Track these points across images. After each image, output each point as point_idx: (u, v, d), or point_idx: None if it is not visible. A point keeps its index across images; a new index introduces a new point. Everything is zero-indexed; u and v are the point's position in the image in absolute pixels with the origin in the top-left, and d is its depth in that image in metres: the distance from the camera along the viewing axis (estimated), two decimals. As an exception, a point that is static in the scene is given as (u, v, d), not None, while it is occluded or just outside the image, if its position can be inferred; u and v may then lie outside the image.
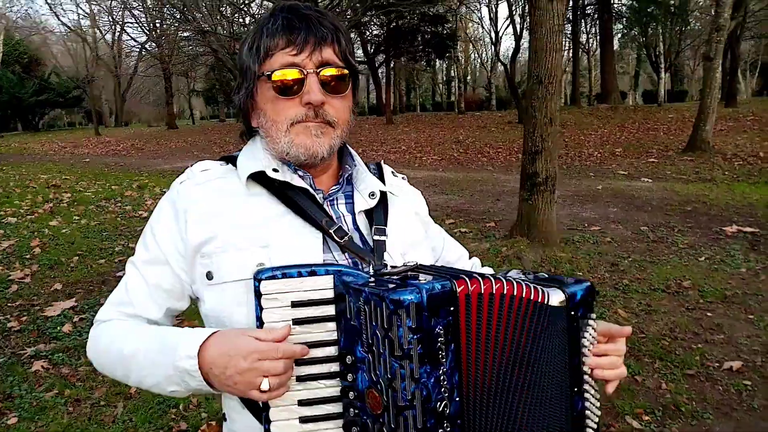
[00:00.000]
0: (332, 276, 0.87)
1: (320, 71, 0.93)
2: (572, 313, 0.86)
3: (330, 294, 0.87)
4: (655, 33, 21.72)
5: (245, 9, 16.55)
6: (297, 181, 0.96)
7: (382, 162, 1.12)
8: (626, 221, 6.26)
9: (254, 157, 0.99)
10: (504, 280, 0.83)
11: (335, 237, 0.92)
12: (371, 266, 0.91)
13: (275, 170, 0.95)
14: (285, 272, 0.86)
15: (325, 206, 0.99)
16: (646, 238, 5.51)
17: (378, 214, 1.00)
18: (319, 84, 0.92)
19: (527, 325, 0.83)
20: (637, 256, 4.93)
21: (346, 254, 0.94)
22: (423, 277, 0.83)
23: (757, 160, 9.75)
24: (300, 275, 0.86)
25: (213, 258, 0.93)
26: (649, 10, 18.35)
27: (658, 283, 4.25)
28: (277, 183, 0.95)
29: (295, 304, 0.86)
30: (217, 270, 0.92)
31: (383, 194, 1.02)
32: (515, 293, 0.83)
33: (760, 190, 7.57)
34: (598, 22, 19.50)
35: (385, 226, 0.99)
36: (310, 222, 0.94)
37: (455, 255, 1.19)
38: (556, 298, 0.85)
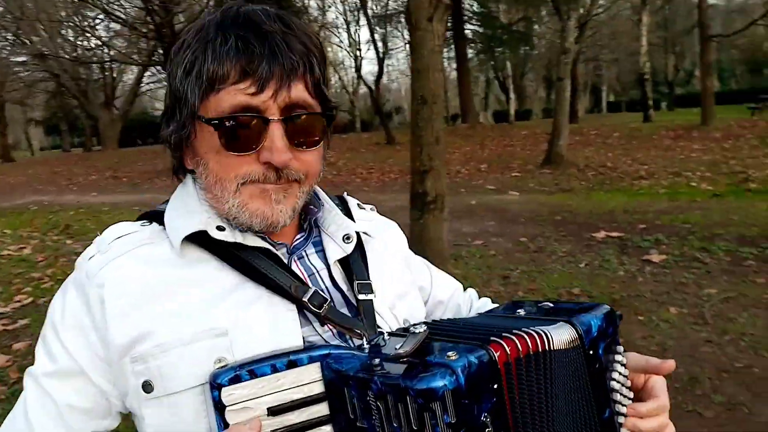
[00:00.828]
0: (319, 363, 0.64)
1: (287, 118, 0.68)
2: (590, 352, 0.67)
3: (319, 388, 0.64)
4: (503, 57, 23.47)
5: (90, 31, 15.26)
6: (251, 239, 0.72)
7: (345, 194, 0.91)
8: (504, 234, 6.47)
9: (188, 210, 0.73)
10: (536, 334, 0.63)
11: (312, 307, 0.69)
12: (364, 339, 0.68)
13: (220, 228, 0.70)
14: (254, 369, 0.62)
15: (292, 264, 0.76)
16: (527, 249, 5.71)
17: (357, 263, 0.78)
18: (285, 137, 0.68)
19: (555, 379, 0.64)
20: (525, 267, 5.07)
21: (329, 326, 0.71)
22: (441, 347, 0.61)
23: (606, 170, 10.71)
24: (275, 370, 0.63)
25: (150, 362, 0.65)
26: (497, 35, 19.73)
27: (551, 293, 4.37)
28: (226, 242, 0.70)
29: (274, 411, 0.62)
30: (157, 378, 0.65)
31: (358, 236, 0.81)
32: (552, 346, 0.63)
33: (615, 198, 8.26)
34: (453, 45, 20.59)
35: (369, 279, 0.77)
36: (277, 291, 0.70)
37: (447, 292, 0.99)
38: (563, 335, 0.65)
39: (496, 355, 0.59)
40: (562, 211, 7.46)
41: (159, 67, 18.27)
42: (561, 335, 0.63)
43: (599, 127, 18.23)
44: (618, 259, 5.11)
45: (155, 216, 0.76)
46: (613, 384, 0.69)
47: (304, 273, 0.76)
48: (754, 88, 31.58)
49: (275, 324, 0.68)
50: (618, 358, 0.69)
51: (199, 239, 0.70)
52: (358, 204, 0.91)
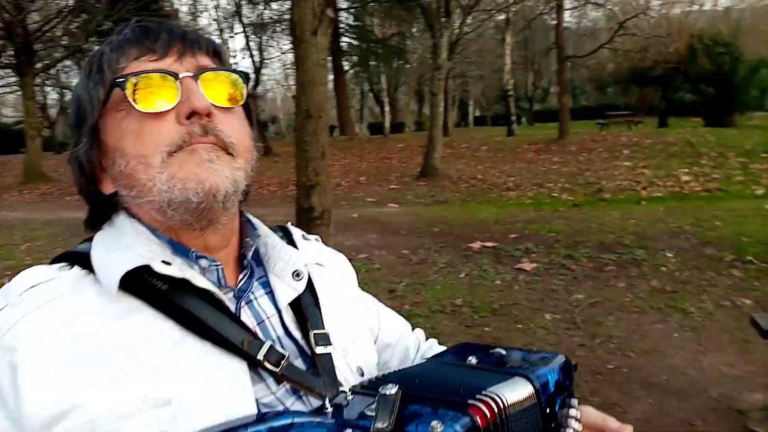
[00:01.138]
0: None
1: (199, 73, 0.63)
2: (547, 410, 0.63)
3: None
4: (378, 70, 24.00)
5: None
6: (199, 280, 0.61)
7: (289, 224, 0.81)
8: (387, 246, 6.55)
9: (121, 245, 0.62)
10: (496, 397, 0.58)
11: (268, 366, 0.60)
12: (326, 399, 0.60)
13: (166, 263, 0.59)
14: None
15: (240, 311, 0.66)
16: (410, 262, 5.81)
17: (310, 307, 0.70)
18: (201, 89, 0.62)
19: None
20: (409, 280, 5.15)
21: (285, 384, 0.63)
22: (420, 414, 0.56)
23: (477, 182, 11.27)
24: None
25: None
26: (371, 48, 20.14)
27: (436, 305, 4.47)
28: (163, 288, 0.59)
29: None
30: None
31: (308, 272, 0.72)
32: (508, 411, 0.59)
33: (487, 209, 8.70)
34: (331, 58, 20.70)
35: (324, 326, 0.69)
36: (226, 347, 0.59)
37: (395, 334, 0.91)
38: (521, 393, 0.60)
39: (478, 417, 0.55)
40: (439, 223, 7.71)
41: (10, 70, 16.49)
42: (518, 394, 0.59)
43: (468, 140, 19.22)
44: (494, 269, 5.36)
45: (76, 258, 0.63)
46: None
47: (254, 320, 0.66)
48: (601, 105, 35.09)
49: (226, 387, 0.58)
50: (573, 413, 0.66)
51: (133, 285, 0.59)
52: (303, 235, 0.82)
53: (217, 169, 0.61)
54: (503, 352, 0.69)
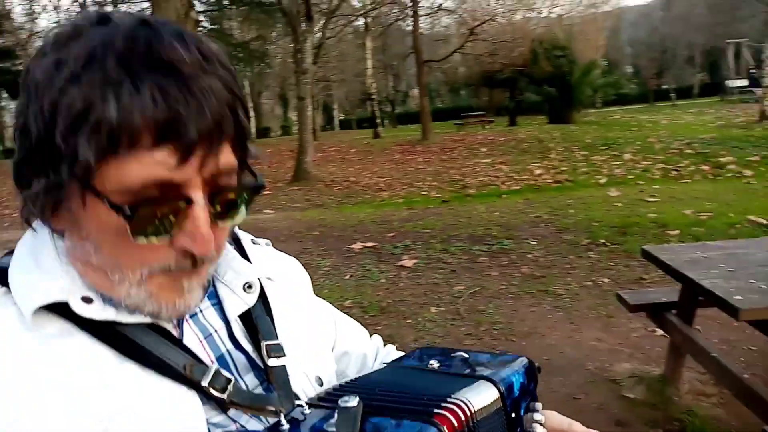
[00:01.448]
0: None
1: (214, 193, 0.53)
2: (512, 414, 0.61)
3: None
4: (241, 75, 23.32)
5: None
6: (127, 318, 0.55)
7: (236, 228, 0.72)
8: (266, 254, 6.38)
9: (43, 269, 0.54)
10: (461, 402, 0.57)
11: (213, 392, 0.55)
12: (282, 416, 0.56)
13: (87, 300, 0.52)
14: None
15: (184, 325, 0.60)
16: (292, 268, 5.71)
17: (262, 318, 0.65)
18: (209, 220, 0.52)
19: None
20: (293, 287, 5.05)
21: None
22: (383, 426, 0.53)
23: (350, 185, 11.38)
24: None
25: None
26: (233, 52, 19.56)
27: (324, 309, 4.42)
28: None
29: None
30: None
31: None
32: (475, 417, 0.58)
33: (363, 210, 8.81)
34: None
35: (277, 337, 0.64)
36: (168, 373, 0.54)
37: (352, 340, 0.87)
38: (486, 398, 0.58)
39: (445, 428, 0.53)
40: (318, 226, 7.67)
41: None
42: (484, 398, 0.57)
43: (337, 143, 19.36)
44: (377, 268, 5.44)
45: None
46: None
47: (200, 334, 0.61)
48: (455, 106, 37.09)
49: (172, 419, 0.52)
50: (537, 417, 0.64)
51: (59, 305, 0.51)
52: (252, 239, 0.74)
53: (194, 296, 0.56)
54: (465, 355, 0.67)
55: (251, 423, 0.59)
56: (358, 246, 6.28)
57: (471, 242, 6.06)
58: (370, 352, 0.89)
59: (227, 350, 0.62)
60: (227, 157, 0.53)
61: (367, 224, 7.54)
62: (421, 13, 19.92)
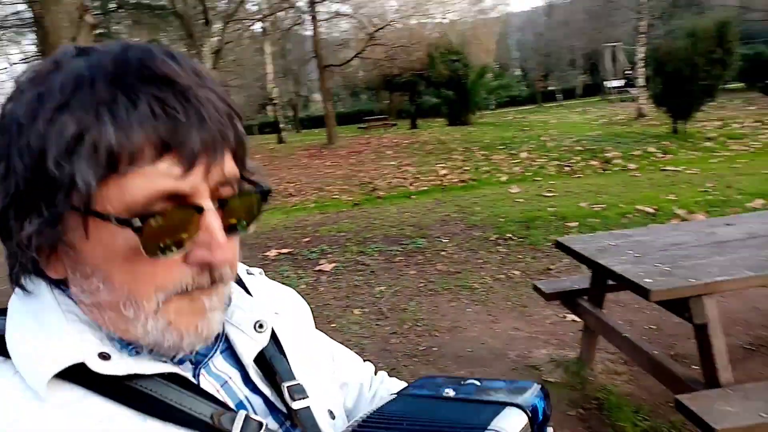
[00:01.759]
0: None
1: (223, 201, 0.51)
2: None
3: None
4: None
5: None
6: (149, 365, 0.52)
7: None
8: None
9: (45, 327, 0.50)
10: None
11: None
12: None
13: (104, 356, 0.49)
14: None
15: (200, 380, 0.56)
16: (205, 280, 5.51)
17: (277, 358, 0.62)
18: (223, 227, 0.51)
19: None
20: (209, 299, 4.88)
21: None
22: None
23: (258, 191, 11.13)
24: None
25: None
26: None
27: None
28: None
29: None
30: None
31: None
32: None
33: (275, 216, 8.65)
34: None
35: (295, 377, 0.62)
36: (194, 426, 0.51)
37: (350, 370, 0.85)
38: (517, 421, 0.57)
39: None
40: (228, 235, 7.43)
41: None
42: (516, 424, 0.56)
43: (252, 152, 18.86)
44: (296, 274, 5.38)
45: None
46: None
47: (216, 384, 0.57)
48: (357, 110, 37.36)
49: None
50: None
51: (69, 370, 0.47)
52: (247, 270, 0.71)
53: (215, 317, 0.53)
54: (477, 382, 0.66)
55: None
56: (273, 253, 6.18)
57: (386, 243, 6.14)
58: (366, 381, 0.88)
59: (245, 396, 0.59)
60: (230, 166, 0.52)
61: (280, 231, 7.42)
62: (319, 18, 19.88)
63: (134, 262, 0.48)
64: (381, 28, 21.00)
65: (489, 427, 0.54)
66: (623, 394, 2.84)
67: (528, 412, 0.58)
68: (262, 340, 0.62)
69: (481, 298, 4.36)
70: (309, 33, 23.20)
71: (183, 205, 0.48)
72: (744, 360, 2.97)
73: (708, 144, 11.43)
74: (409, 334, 3.79)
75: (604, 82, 35.98)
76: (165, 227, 0.47)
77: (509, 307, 4.12)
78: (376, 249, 5.94)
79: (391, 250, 5.84)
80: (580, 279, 3.20)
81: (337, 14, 22.13)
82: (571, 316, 3.71)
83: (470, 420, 0.56)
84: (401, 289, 4.68)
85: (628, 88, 28.24)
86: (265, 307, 0.65)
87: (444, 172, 10.91)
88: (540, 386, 0.65)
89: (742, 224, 2.73)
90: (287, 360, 0.64)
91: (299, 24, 20.52)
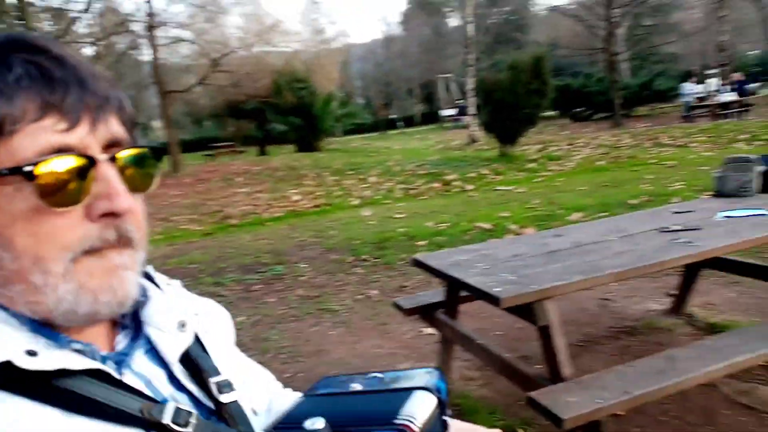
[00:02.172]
0: None
1: (115, 155, 0.52)
2: (443, 417, 0.65)
3: None
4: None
5: None
6: (78, 361, 0.50)
7: (150, 268, 0.68)
8: None
9: None
10: (417, 412, 0.62)
11: (175, 427, 0.53)
12: None
13: (31, 353, 0.47)
14: None
15: (123, 378, 0.55)
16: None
17: (201, 355, 0.63)
18: (120, 180, 0.51)
19: None
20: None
21: None
22: None
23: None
24: None
25: None
26: None
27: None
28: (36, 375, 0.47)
29: None
30: None
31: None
32: (432, 414, 0.65)
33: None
34: None
35: (220, 372, 0.63)
36: (124, 421, 0.51)
37: (258, 377, 0.85)
38: (429, 403, 0.61)
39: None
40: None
41: None
42: (428, 405, 0.60)
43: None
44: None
45: None
46: None
47: (140, 384, 0.56)
48: (200, 137, 36.01)
49: None
50: (449, 421, 0.67)
51: None
52: (166, 281, 0.70)
53: (129, 276, 0.53)
54: (380, 374, 0.69)
55: None
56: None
57: (243, 272, 6.00)
58: (271, 389, 0.89)
59: (170, 393, 0.59)
60: (117, 127, 0.54)
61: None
62: (158, 43, 18.98)
63: (35, 222, 0.47)
64: (225, 55, 20.58)
65: (404, 409, 0.58)
66: (479, 398, 3.07)
67: (435, 393, 0.62)
68: (186, 339, 0.62)
69: (343, 319, 4.43)
70: (147, 58, 22.05)
71: (75, 155, 0.48)
72: (578, 356, 3.35)
73: (532, 165, 12.74)
74: (274, 363, 3.73)
75: (440, 111, 38.62)
76: (60, 178, 0.47)
77: (370, 326, 4.24)
78: (232, 279, 5.78)
79: (248, 279, 5.71)
80: (435, 293, 3.40)
81: (178, 40, 21.31)
82: (428, 330, 3.92)
83: (386, 406, 0.59)
84: (262, 319, 4.60)
85: (461, 116, 30.53)
86: (186, 309, 0.65)
87: (297, 197, 10.93)
88: (438, 369, 0.69)
89: (568, 235, 3.10)
90: (211, 358, 0.64)
91: (135, 48, 19.42)
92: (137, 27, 18.45)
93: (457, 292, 3.03)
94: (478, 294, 2.42)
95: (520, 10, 54.55)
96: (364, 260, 6.01)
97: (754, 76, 29.25)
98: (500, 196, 9.41)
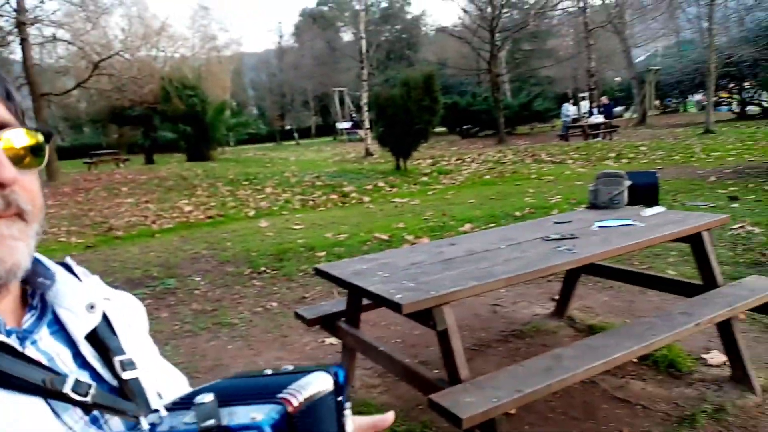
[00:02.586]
0: None
1: (1, 135, 0.55)
2: (338, 398, 0.69)
3: None
4: None
5: None
6: None
7: (68, 258, 0.71)
8: None
9: None
10: (303, 387, 0.68)
11: (75, 396, 0.56)
12: (143, 420, 0.60)
13: None
14: None
15: (26, 352, 0.58)
16: None
17: (108, 335, 0.66)
18: (4, 154, 0.55)
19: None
20: None
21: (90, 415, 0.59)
22: (236, 411, 0.61)
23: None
24: None
25: None
26: None
27: None
28: None
29: None
30: None
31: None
32: (321, 391, 0.71)
33: None
34: None
35: (125, 352, 0.66)
36: (24, 389, 0.54)
37: (175, 379, 0.85)
38: (323, 381, 0.72)
39: (288, 407, 0.63)
40: None
41: None
42: (322, 383, 0.68)
43: None
44: (20, 331, 4.64)
45: None
46: None
47: (42, 358, 0.58)
48: (80, 144, 33.63)
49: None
50: (347, 411, 0.71)
51: None
52: (84, 272, 0.72)
53: (18, 246, 0.55)
54: (289, 367, 0.70)
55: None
56: None
57: (131, 286, 5.68)
58: (183, 386, 0.90)
59: (70, 371, 0.61)
60: (3, 112, 0.57)
61: None
62: (32, 41, 17.51)
63: None
64: (107, 58, 19.40)
65: (293, 384, 0.62)
66: (381, 405, 3.14)
67: (332, 374, 0.67)
68: (94, 320, 0.65)
69: (242, 333, 4.35)
70: (13, 56, 20.30)
71: None
72: (473, 359, 3.53)
73: (425, 179, 13.19)
74: (169, 380, 3.59)
75: (336, 123, 38.86)
76: None
77: (270, 339, 4.19)
78: (118, 294, 5.46)
79: (136, 294, 5.32)
80: (337, 302, 3.45)
81: (54, 39, 19.78)
82: (329, 340, 3.96)
83: (279, 382, 0.63)
84: (154, 335, 4.24)
85: (357, 130, 30.95)
86: (97, 292, 0.68)
87: (189, 208, 10.53)
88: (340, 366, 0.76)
89: (461, 244, 3.28)
90: (119, 339, 0.67)
91: (4, 46, 17.77)
92: (4, 23, 16.92)
93: (359, 300, 3.10)
94: (380, 301, 2.50)
95: (410, 29, 56.41)
96: (263, 272, 5.93)
97: (617, 100, 32.42)
98: (396, 208, 9.66)
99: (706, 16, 21.78)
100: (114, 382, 0.63)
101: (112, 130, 29.33)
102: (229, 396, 0.61)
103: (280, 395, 0.61)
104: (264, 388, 0.64)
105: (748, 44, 23.47)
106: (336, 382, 0.70)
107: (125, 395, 0.62)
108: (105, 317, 0.68)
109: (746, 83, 27.57)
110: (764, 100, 27.13)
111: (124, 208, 11.08)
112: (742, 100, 28.55)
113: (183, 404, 0.59)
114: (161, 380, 0.74)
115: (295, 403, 0.61)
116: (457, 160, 16.88)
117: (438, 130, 24.50)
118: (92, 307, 0.65)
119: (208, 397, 0.56)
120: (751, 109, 28.00)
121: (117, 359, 0.64)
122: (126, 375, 0.63)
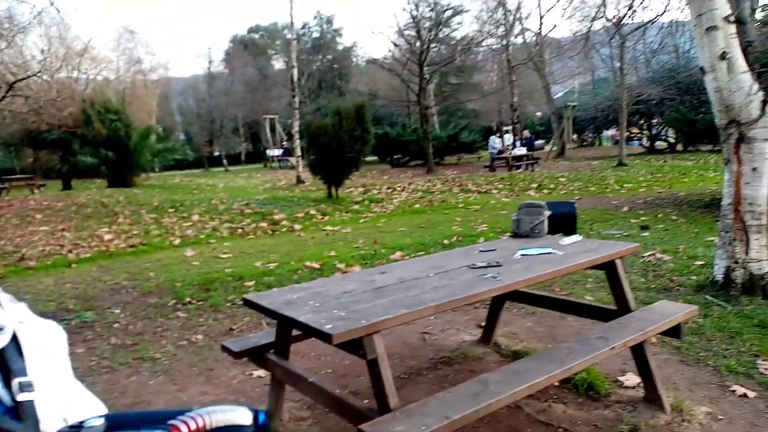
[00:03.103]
0: None
1: None
2: None
3: None
4: None
5: None
6: None
7: None
8: None
9: None
10: (194, 417, 0.72)
11: None
12: None
13: None
14: None
15: None
16: None
17: (14, 359, 0.69)
18: None
19: None
20: None
21: None
22: None
23: None
24: None
25: None
26: None
27: None
28: None
29: None
30: None
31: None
32: (237, 424, 0.74)
33: None
34: None
35: (27, 374, 0.69)
36: None
37: (89, 405, 0.82)
38: (242, 415, 0.77)
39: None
40: None
41: None
42: (239, 416, 0.70)
43: None
44: None
45: None
46: None
47: None
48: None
49: None
50: None
51: None
52: (10, 299, 0.74)
53: None
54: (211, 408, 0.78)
55: None
56: None
57: (57, 315, 5.35)
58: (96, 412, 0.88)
59: None
60: None
61: None
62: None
63: None
64: (23, 79, 18.45)
65: (191, 413, 0.67)
66: (310, 437, 3.09)
67: (252, 411, 0.72)
68: (2, 341, 0.66)
69: (165, 368, 4.17)
70: None
71: None
72: (403, 387, 3.55)
73: (356, 207, 13.26)
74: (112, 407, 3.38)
75: (266, 151, 38.49)
76: None
77: (195, 373, 4.05)
78: (29, 329, 5.12)
79: (65, 321, 5.10)
80: (266, 334, 3.39)
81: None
82: (257, 372, 3.87)
83: (167, 414, 0.67)
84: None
85: (288, 157, 30.79)
86: (10, 316, 0.69)
87: (109, 237, 10.06)
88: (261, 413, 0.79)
89: (392, 272, 3.32)
90: (24, 362, 0.68)
91: None
92: None
93: (289, 331, 3.06)
94: (310, 332, 2.48)
95: (341, 59, 57.13)
96: (188, 303, 5.73)
97: (538, 133, 34.13)
98: (327, 236, 9.63)
99: (617, 57, 23.41)
100: (10, 403, 0.63)
101: (26, 153, 27.73)
102: (122, 422, 0.63)
103: (171, 422, 0.62)
104: (161, 416, 0.65)
105: (654, 84, 25.41)
106: (255, 419, 0.72)
107: (18, 416, 0.62)
108: (16, 341, 0.67)
109: (654, 120, 29.76)
110: (670, 136, 29.37)
111: (38, 237, 10.45)
112: (651, 135, 30.78)
113: (75, 428, 0.60)
114: (73, 405, 0.74)
115: (184, 430, 0.63)
116: (388, 188, 17.09)
117: (369, 159, 24.78)
118: (1, 329, 0.67)
119: (97, 422, 0.57)
120: (659, 144, 30.22)
121: (16, 381, 0.65)
122: (21, 397, 0.65)
